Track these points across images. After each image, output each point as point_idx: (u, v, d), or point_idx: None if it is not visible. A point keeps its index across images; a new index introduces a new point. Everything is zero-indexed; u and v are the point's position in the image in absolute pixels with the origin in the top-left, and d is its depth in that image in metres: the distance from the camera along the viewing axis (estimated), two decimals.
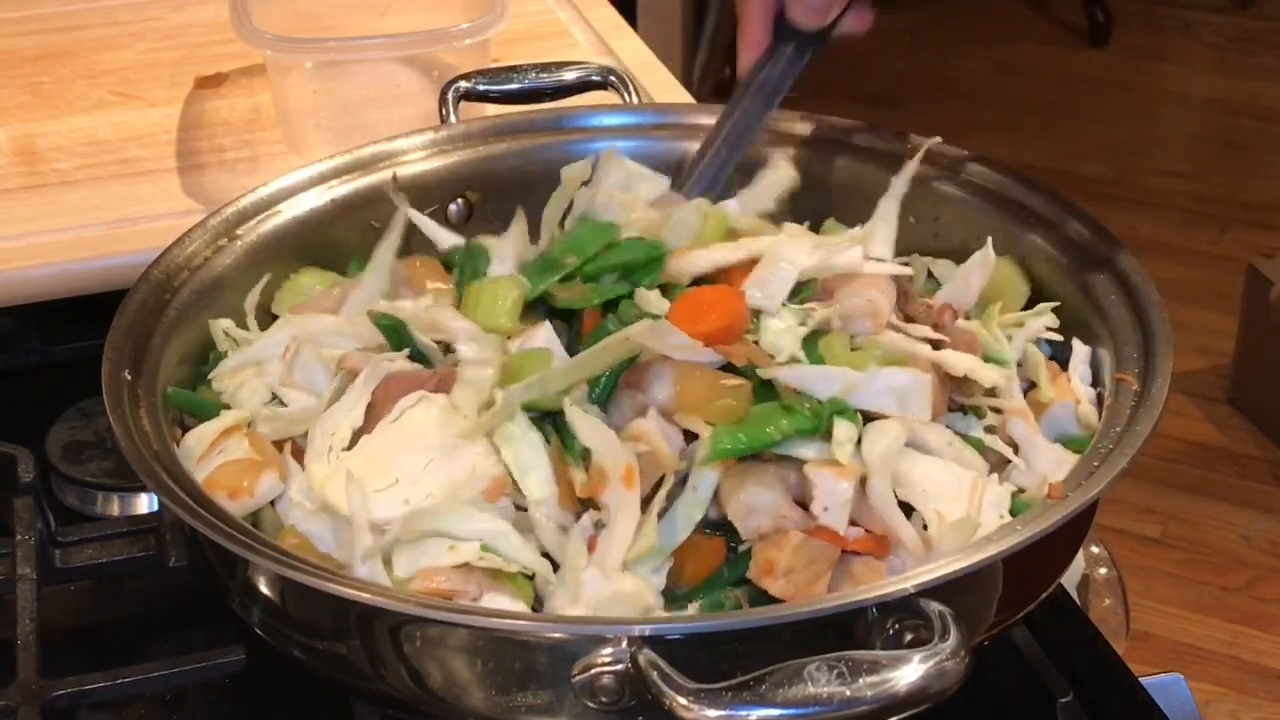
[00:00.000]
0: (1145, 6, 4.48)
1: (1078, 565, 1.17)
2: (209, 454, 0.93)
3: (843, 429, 0.87)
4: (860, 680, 0.70)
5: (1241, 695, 2.37)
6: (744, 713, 0.70)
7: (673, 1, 3.53)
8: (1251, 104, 4.00)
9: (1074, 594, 1.12)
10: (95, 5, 1.67)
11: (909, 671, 0.70)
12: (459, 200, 1.14)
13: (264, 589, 0.84)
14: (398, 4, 1.48)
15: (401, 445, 0.89)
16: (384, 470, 0.87)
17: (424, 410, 0.90)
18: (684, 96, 1.49)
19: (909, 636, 0.74)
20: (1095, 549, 1.20)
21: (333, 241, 1.09)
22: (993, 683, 0.97)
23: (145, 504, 1.14)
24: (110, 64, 1.56)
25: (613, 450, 0.85)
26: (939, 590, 0.75)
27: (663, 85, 1.49)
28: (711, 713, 0.70)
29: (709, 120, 1.15)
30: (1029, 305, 1.03)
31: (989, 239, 1.02)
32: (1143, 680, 0.95)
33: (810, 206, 1.12)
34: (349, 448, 0.90)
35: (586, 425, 0.87)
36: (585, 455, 0.87)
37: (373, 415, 0.91)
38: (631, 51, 1.56)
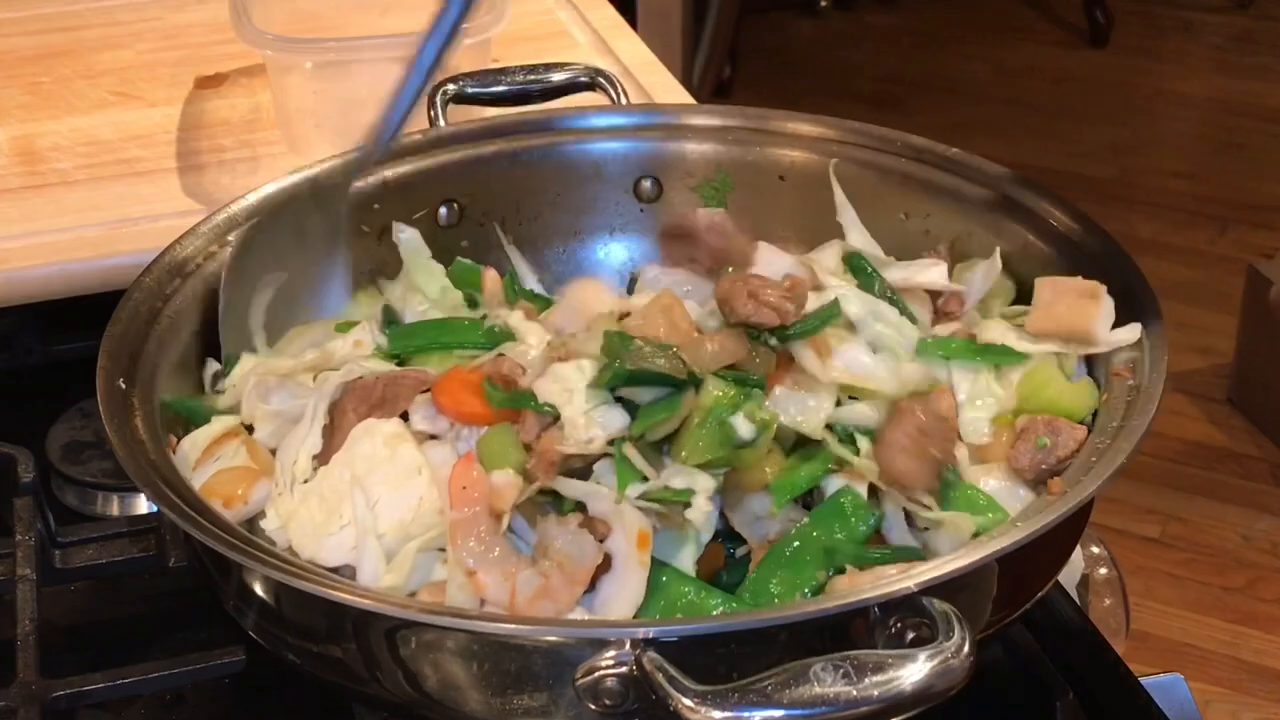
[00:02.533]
0: (1145, 6, 4.48)
1: (1078, 565, 1.17)
2: (205, 460, 0.93)
3: (864, 442, 0.89)
4: (867, 680, 0.70)
5: (1241, 695, 2.37)
6: (751, 714, 0.70)
7: (673, 1, 3.54)
8: (1251, 104, 4.00)
9: (1074, 594, 1.12)
10: (95, 5, 1.67)
11: (915, 670, 0.70)
12: (448, 204, 1.14)
13: (260, 594, 0.84)
14: (398, 4, 1.48)
15: (351, 483, 0.89)
16: (335, 512, 0.87)
17: (370, 440, 0.90)
18: (684, 96, 1.49)
19: (911, 635, 0.74)
20: (1095, 549, 1.20)
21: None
22: (993, 683, 0.97)
23: (145, 504, 1.14)
24: (110, 64, 1.56)
25: (623, 514, 0.85)
26: (940, 588, 0.75)
27: (663, 85, 1.49)
28: (717, 714, 0.70)
29: (699, 120, 1.15)
30: (1016, 301, 1.03)
31: (997, 249, 1.03)
32: (1143, 680, 0.95)
33: (805, 208, 1.12)
34: (310, 477, 0.90)
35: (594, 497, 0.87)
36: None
37: (332, 439, 0.92)
38: (631, 52, 1.56)
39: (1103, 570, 1.18)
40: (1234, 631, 2.48)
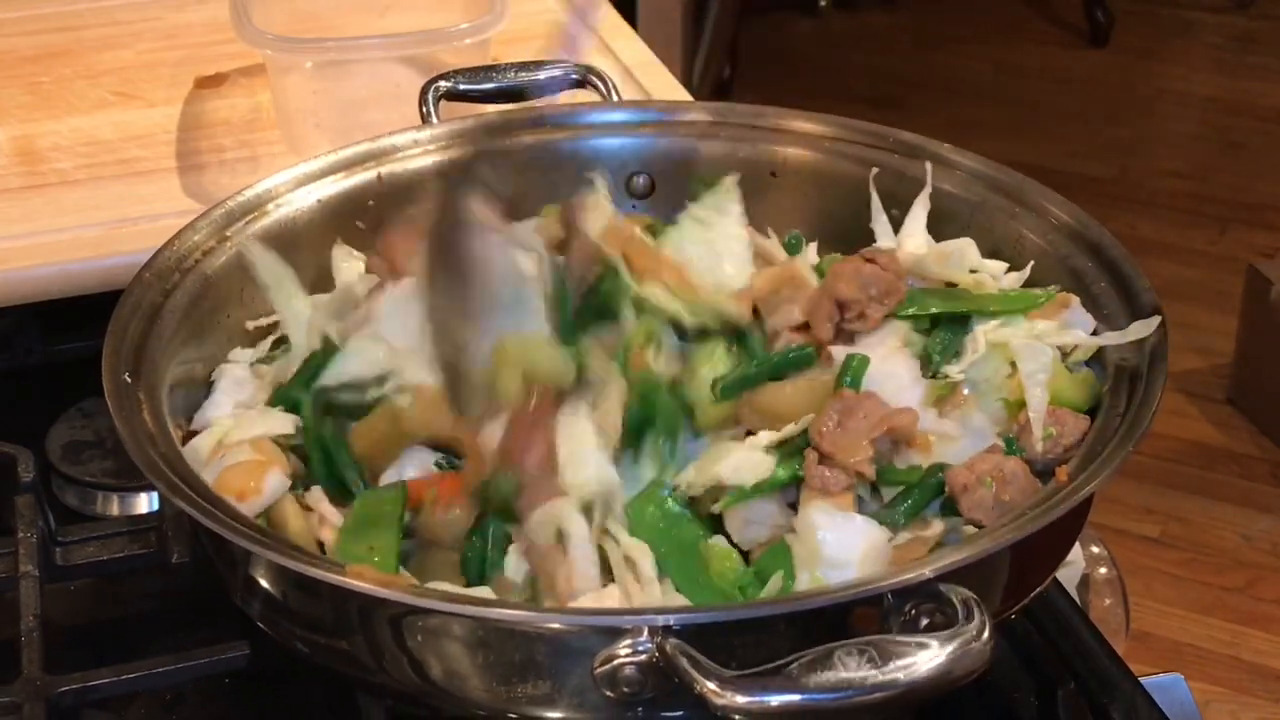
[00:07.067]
0: (1145, 6, 4.48)
1: (1078, 565, 1.17)
2: (213, 458, 0.93)
3: None
4: (891, 664, 0.70)
5: (1241, 695, 2.37)
6: (776, 698, 0.70)
7: (673, 1, 3.53)
8: (1251, 104, 4.00)
9: (1074, 593, 1.12)
10: (95, 5, 1.67)
11: (937, 654, 0.71)
12: None
13: (270, 583, 0.84)
14: (398, 4, 1.48)
15: None
16: None
17: None
18: (684, 96, 1.49)
19: (925, 621, 0.74)
20: (1095, 549, 1.20)
21: (320, 242, 1.09)
22: (995, 673, 0.96)
23: (145, 504, 1.14)
24: (110, 64, 1.56)
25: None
26: (954, 575, 0.75)
27: (663, 85, 1.49)
28: (742, 699, 0.70)
29: (688, 116, 1.16)
30: None
31: (1030, 263, 1.02)
32: (1143, 680, 0.95)
33: (795, 204, 1.13)
34: None
35: None
36: None
37: None
38: (631, 52, 1.56)
39: (1103, 570, 1.18)
40: (1234, 631, 2.48)
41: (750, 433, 0.93)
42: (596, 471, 0.88)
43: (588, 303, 0.97)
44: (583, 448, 0.88)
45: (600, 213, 1.03)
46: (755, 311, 1.00)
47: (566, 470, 0.88)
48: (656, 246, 1.01)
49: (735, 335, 0.98)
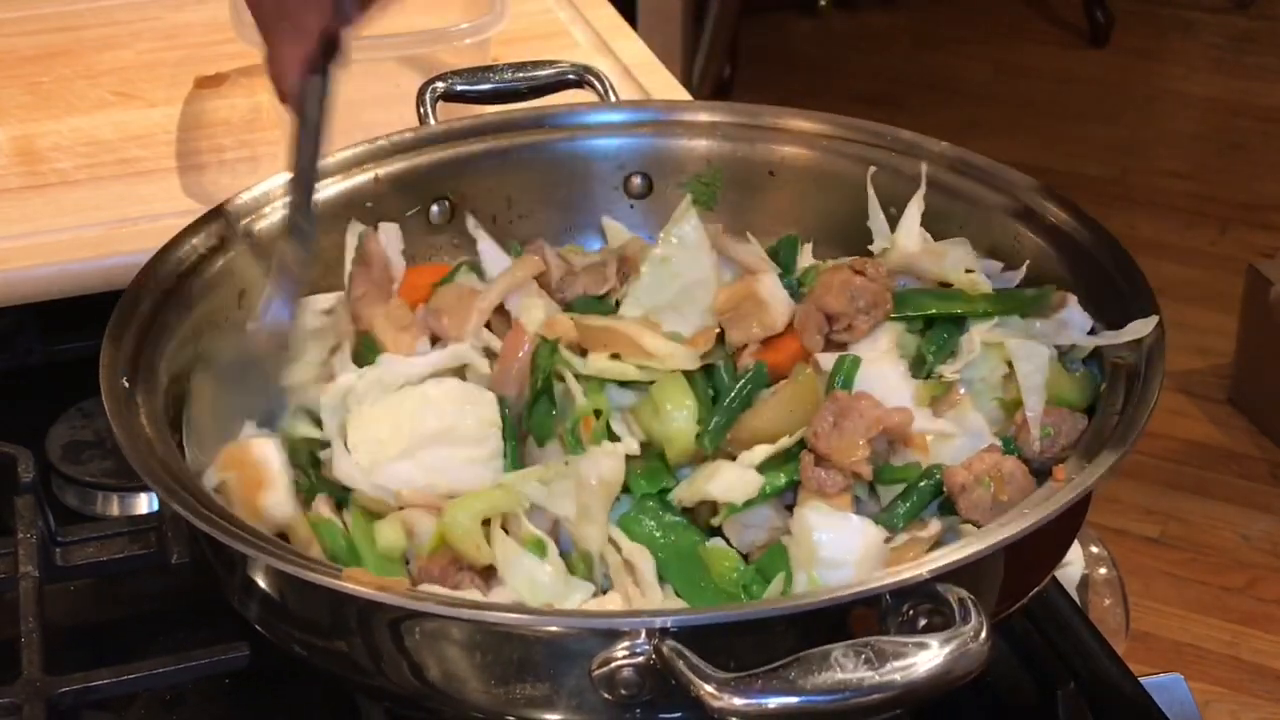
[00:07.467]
0: (1145, 6, 4.48)
1: (1078, 565, 1.17)
2: None
3: None
4: (888, 665, 0.70)
5: (1241, 695, 2.37)
6: (773, 700, 0.70)
7: (673, 1, 3.54)
8: (1251, 104, 4.00)
9: (1074, 594, 1.12)
10: (95, 5, 1.67)
11: (935, 655, 0.71)
12: (441, 201, 1.14)
13: (267, 587, 0.85)
14: (398, 4, 1.48)
15: None
16: None
17: None
18: (683, 96, 1.49)
19: (923, 622, 0.75)
20: (1095, 549, 1.20)
21: (319, 244, 1.09)
22: (994, 673, 0.97)
23: (145, 504, 1.14)
24: (110, 64, 1.56)
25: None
26: (951, 575, 0.75)
27: (663, 85, 1.49)
28: (739, 701, 0.70)
29: (689, 116, 1.16)
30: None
31: (1026, 264, 1.03)
32: (1143, 680, 0.95)
33: (793, 202, 1.13)
34: None
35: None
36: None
37: None
38: (631, 51, 1.56)
39: (1103, 570, 1.18)
40: (1234, 631, 2.48)
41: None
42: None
43: (537, 399, 0.96)
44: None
45: (538, 306, 1.02)
46: (721, 333, 0.99)
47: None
48: (600, 320, 1.00)
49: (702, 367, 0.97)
